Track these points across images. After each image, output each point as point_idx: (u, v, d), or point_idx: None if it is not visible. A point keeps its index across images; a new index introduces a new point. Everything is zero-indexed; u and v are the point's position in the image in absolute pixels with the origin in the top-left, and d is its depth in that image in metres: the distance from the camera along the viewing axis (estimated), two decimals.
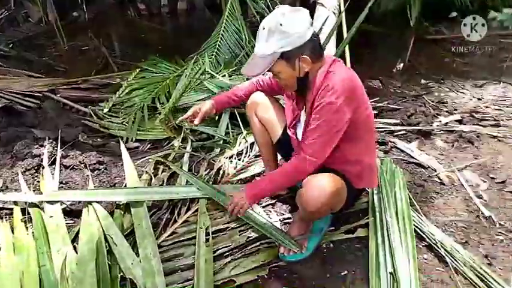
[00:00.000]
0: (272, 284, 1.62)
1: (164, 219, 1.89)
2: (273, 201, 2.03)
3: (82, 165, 2.30)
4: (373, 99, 3.21)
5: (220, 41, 4.04)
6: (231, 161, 2.33)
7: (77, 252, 1.64)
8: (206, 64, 3.70)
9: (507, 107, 3.14)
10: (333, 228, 1.88)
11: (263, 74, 1.62)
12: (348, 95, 1.46)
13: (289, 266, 1.71)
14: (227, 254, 1.72)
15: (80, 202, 1.96)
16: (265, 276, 1.65)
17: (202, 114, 1.85)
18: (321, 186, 1.50)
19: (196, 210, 1.89)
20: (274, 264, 1.70)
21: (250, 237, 1.79)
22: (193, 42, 4.32)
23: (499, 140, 2.62)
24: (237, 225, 1.83)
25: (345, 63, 3.25)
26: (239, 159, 2.36)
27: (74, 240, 1.75)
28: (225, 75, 3.41)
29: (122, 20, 5.99)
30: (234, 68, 3.59)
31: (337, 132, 1.51)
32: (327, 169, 1.60)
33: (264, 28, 1.45)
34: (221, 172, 2.24)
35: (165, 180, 2.15)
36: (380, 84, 3.74)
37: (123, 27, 5.81)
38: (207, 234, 1.75)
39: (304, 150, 1.55)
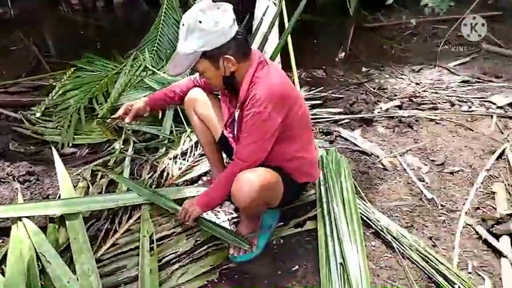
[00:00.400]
0: None
1: (104, 230, 1.76)
2: None
3: (10, 177, 2.11)
4: (318, 88, 3.24)
5: (160, 35, 3.88)
6: (175, 162, 2.23)
7: (4, 276, 1.49)
8: (147, 60, 3.55)
9: (443, 90, 3.28)
10: (282, 223, 1.85)
11: (188, 73, 1.55)
12: (277, 101, 1.43)
13: (240, 267, 1.66)
14: (174, 261, 1.63)
15: (8, 219, 1.79)
16: (216, 280, 1.59)
17: (133, 111, 1.75)
18: (250, 182, 1.45)
19: (139, 218, 1.79)
20: (224, 267, 1.65)
21: (198, 240, 1.72)
22: (132, 37, 4.13)
23: (437, 123, 2.73)
24: (184, 230, 1.75)
25: (288, 53, 3.26)
26: (184, 159, 2.26)
27: (2, 261, 1.59)
28: (166, 71, 3.28)
29: (53, 16, 5.60)
30: None
31: (269, 138, 1.49)
32: (264, 165, 1.56)
33: (183, 25, 1.37)
34: (165, 174, 2.14)
35: (104, 188, 2.01)
36: (324, 74, 3.78)
37: (55, 24, 5.42)
38: (151, 242, 1.65)
39: (238, 155, 1.52)
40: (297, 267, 1.67)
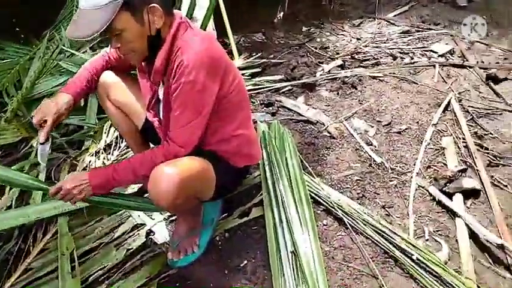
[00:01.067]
0: None
1: (14, 253, 1.49)
2: None
3: None
4: (257, 54, 3.02)
5: (76, 9, 3.45)
6: (98, 158, 1.96)
7: None
8: (64, 40, 3.13)
9: (384, 42, 3.18)
10: (226, 214, 1.66)
11: (101, 35, 1.21)
12: (209, 66, 1.20)
13: (181, 272, 1.46)
14: (102, 278, 1.41)
15: None
16: None
17: (60, 117, 1.38)
18: (167, 176, 1.20)
19: (56, 233, 1.53)
20: (163, 275, 1.44)
21: (130, 249, 1.50)
22: (49, 15, 3.62)
23: (381, 80, 2.61)
24: (111, 239, 1.52)
25: (222, 18, 2.99)
26: (108, 154, 1.99)
27: None
28: (86, 51, 2.92)
29: None
30: (98, 39, 3.05)
31: (206, 114, 1.27)
32: (198, 151, 1.33)
33: None
34: None
35: (14, 200, 1.70)
36: (263, 37, 3.55)
37: None
38: (72, 260, 1.41)
39: (172, 140, 1.27)
40: (245, 262, 1.51)
